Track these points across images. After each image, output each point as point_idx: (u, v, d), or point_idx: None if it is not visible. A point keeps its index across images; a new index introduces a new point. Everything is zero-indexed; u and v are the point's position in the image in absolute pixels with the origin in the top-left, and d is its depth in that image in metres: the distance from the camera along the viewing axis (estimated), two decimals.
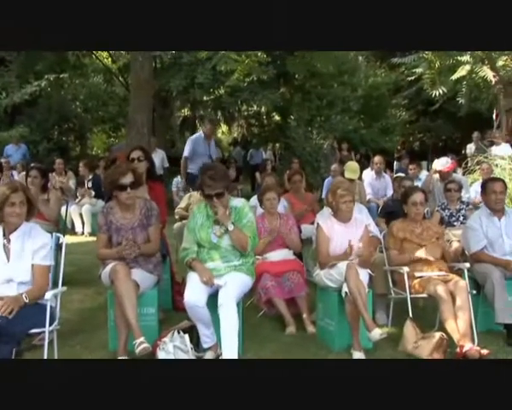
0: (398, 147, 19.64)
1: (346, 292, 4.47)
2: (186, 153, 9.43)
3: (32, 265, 3.90)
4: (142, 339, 3.98)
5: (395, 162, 15.18)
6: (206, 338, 4.30)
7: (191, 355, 4.25)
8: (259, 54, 9.37)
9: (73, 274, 6.82)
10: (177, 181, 12.17)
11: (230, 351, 4.05)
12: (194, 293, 4.19)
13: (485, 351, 4.32)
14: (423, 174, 9.68)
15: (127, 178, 4.49)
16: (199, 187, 4.54)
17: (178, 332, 4.35)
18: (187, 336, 4.31)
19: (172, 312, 5.42)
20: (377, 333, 4.26)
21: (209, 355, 4.33)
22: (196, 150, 9.35)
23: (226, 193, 4.45)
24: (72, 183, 10.94)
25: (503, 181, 5.65)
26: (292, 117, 16.35)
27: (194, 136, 9.69)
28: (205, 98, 16.01)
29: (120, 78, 15.75)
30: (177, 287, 5.45)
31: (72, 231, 10.12)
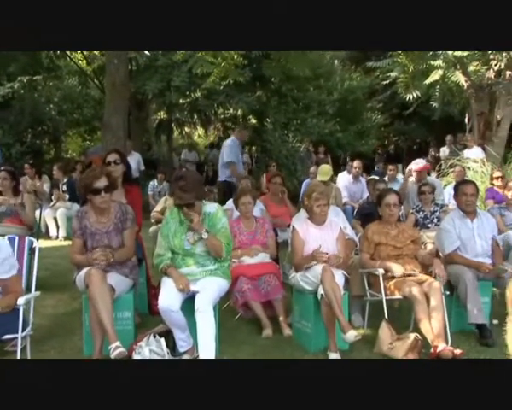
0: (379, 151, 19.85)
1: (321, 294, 4.49)
2: (233, 158, 9.18)
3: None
4: (117, 343, 3.95)
5: (377, 165, 15.37)
6: (182, 342, 4.31)
7: (168, 359, 4.24)
8: (236, 57, 9.37)
9: (47, 279, 6.75)
10: (154, 185, 12.15)
11: (208, 356, 4.05)
12: (168, 298, 4.20)
13: (458, 351, 4.38)
14: (400, 177, 9.80)
15: (101, 182, 4.46)
16: (171, 195, 4.54)
17: (154, 336, 4.34)
18: (163, 340, 4.29)
19: (148, 316, 5.40)
20: (352, 335, 4.29)
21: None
22: (237, 156, 9.27)
23: (199, 201, 4.46)
24: (46, 186, 10.81)
25: (475, 183, 5.74)
26: (268, 120, 16.37)
27: (231, 141, 9.41)
28: (181, 101, 15.95)
29: (95, 80, 15.61)
30: (153, 291, 5.42)
31: (47, 235, 10.00)
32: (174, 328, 4.27)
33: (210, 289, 4.31)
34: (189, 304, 4.22)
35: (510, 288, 0.81)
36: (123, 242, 4.60)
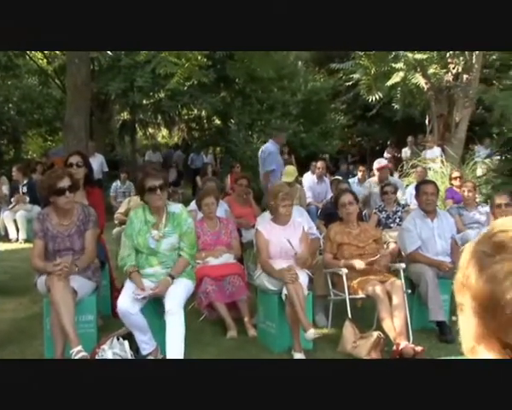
0: (350, 154, 20.06)
1: (285, 294, 4.52)
2: (273, 166, 8.67)
3: None
4: (79, 348, 3.90)
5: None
6: (145, 344, 4.27)
7: None
8: (199, 57, 9.35)
9: (7, 282, 6.62)
10: (116, 185, 11.98)
11: (177, 357, 4.04)
12: (128, 300, 4.17)
13: (419, 348, 4.46)
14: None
15: (64, 182, 4.38)
16: (139, 184, 4.48)
17: (118, 339, 4.29)
18: (126, 343, 4.25)
19: (112, 318, 5.33)
20: (312, 333, 4.33)
21: None
22: (277, 161, 8.85)
23: (166, 193, 4.45)
24: (5, 188, 10.56)
25: (435, 183, 5.85)
26: (232, 121, 16.39)
27: (271, 147, 8.97)
28: (145, 102, 15.84)
29: (56, 80, 15.36)
30: (117, 293, 5.35)
31: (6, 238, 9.78)
32: (134, 330, 4.24)
33: (178, 290, 4.30)
34: (151, 306, 4.20)
35: (457, 280, 0.82)
36: (85, 244, 4.54)
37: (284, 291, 4.54)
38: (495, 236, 0.88)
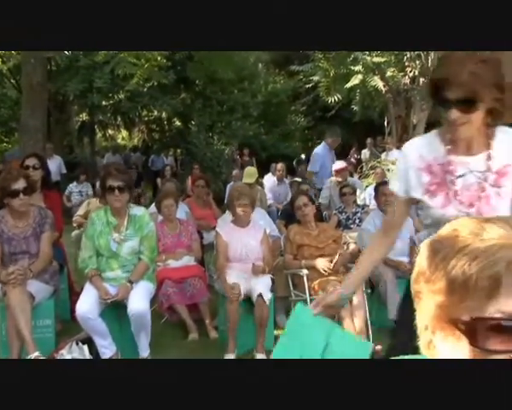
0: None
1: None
2: (316, 168, 8.75)
3: None
4: (36, 354, 3.83)
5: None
6: (105, 349, 4.20)
7: None
8: (159, 58, 9.30)
9: None
10: (71, 187, 11.72)
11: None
12: (87, 304, 4.11)
13: (379, 347, 4.51)
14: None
15: (19, 184, 4.29)
16: (101, 183, 4.43)
17: (77, 343, 4.22)
18: (86, 347, 4.19)
19: (71, 322, 5.23)
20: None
21: None
22: (324, 163, 8.81)
23: (127, 195, 4.39)
24: None
25: None
26: (193, 123, 16.31)
27: (320, 148, 9.00)
28: (104, 103, 15.62)
29: (12, 79, 15.01)
30: (76, 297, 5.26)
31: None
32: (94, 335, 4.17)
33: (140, 293, 4.26)
34: (111, 311, 4.16)
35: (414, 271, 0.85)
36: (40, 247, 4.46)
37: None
38: (447, 230, 0.96)
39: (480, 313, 0.86)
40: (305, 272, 4.97)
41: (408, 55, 12.60)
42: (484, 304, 0.86)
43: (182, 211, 6.21)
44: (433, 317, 0.94)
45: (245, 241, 4.87)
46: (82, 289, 4.48)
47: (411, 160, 2.11)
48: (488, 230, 0.90)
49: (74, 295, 5.37)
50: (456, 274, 0.88)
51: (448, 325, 0.91)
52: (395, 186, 2.23)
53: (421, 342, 0.99)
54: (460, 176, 1.98)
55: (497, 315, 0.85)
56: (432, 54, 12.28)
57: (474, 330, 0.87)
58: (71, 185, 11.59)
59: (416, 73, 12.81)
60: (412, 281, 0.99)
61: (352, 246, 6.07)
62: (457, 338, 0.90)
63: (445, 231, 0.97)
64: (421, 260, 0.97)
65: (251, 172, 8.00)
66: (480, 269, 0.85)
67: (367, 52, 11.27)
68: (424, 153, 2.07)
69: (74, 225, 7.19)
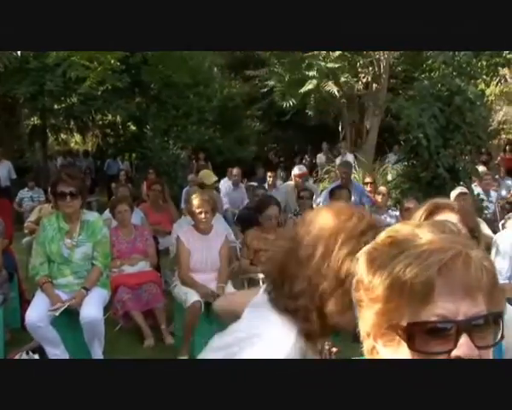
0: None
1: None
2: None
3: None
4: None
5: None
6: (56, 358, 4.10)
7: None
8: (112, 61, 9.17)
9: None
10: (23, 193, 11.46)
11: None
12: (37, 312, 4.01)
13: (334, 349, 4.55)
14: (279, 183, 10.03)
15: None
16: (52, 189, 4.32)
17: (27, 353, 4.12)
18: (37, 357, 4.09)
19: (22, 332, 5.10)
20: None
21: None
22: None
23: (80, 201, 4.31)
24: None
25: (348, 189, 6.03)
26: (148, 127, 16.14)
27: None
28: (56, 106, 15.31)
29: None
30: (27, 305, 5.14)
31: None
32: (45, 344, 4.07)
33: (93, 300, 4.20)
34: (63, 318, 4.07)
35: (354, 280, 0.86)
36: None
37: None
38: (382, 238, 0.98)
39: (417, 318, 0.88)
40: (261, 276, 4.97)
41: (361, 62, 12.82)
42: (420, 308, 0.88)
43: (137, 216, 6.15)
44: (373, 324, 0.95)
45: (207, 249, 4.87)
46: (33, 297, 4.37)
47: None
48: (420, 235, 0.92)
49: (25, 303, 5.24)
50: (391, 281, 0.89)
51: (388, 331, 0.93)
52: None
53: (365, 348, 1.01)
54: None
55: (433, 318, 0.87)
56: (384, 60, 12.54)
57: (412, 334, 0.88)
58: (22, 191, 11.33)
59: (369, 79, 13.05)
60: (352, 289, 1.01)
61: None
62: (397, 343, 0.92)
63: (380, 238, 0.98)
64: (360, 268, 0.98)
65: (207, 173, 7.99)
66: (414, 275, 0.87)
67: (321, 57, 11.42)
68: None
69: (26, 231, 7.03)
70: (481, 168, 10.92)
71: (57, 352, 4.09)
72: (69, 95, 13.98)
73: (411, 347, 0.89)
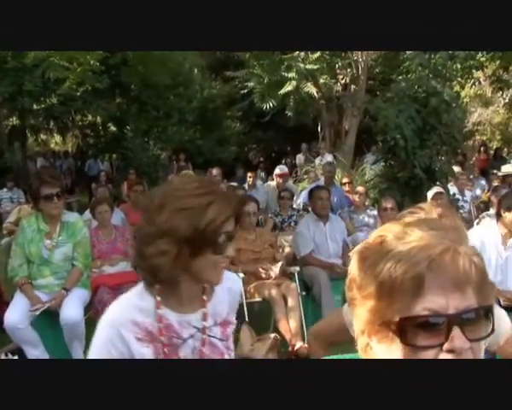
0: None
1: None
2: None
3: None
4: None
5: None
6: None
7: None
8: (92, 62, 9.11)
9: None
10: (1, 193, 11.31)
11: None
12: (16, 314, 3.96)
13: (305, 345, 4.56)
14: (258, 183, 10.04)
15: None
16: (35, 192, 4.25)
17: (6, 355, 4.06)
18: (16, 358, 4.04)
19: (0, 333, 5.03)
20: None
21: None
22: None
23: (63, 202, 4.28)
24: None
25: (328, 189, 6.04)
26: (128, 128, 16.04)
27: None
28: (35, 107, 15.13)
29: None
30: (6, 307, 5.07)
31: None
32: (24, 345, 4.02)
33: (74, 300, 4.16)
34: (43, 319, 4.03)
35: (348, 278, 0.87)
36: None
37: None
38: (374, 237, 0.99)
39: (408, 313, 0.88)
40: (241, 275, 4.97)
41: (339, 63, 12.88)
42: (411, 304, 0.88)
43: (117, 217, 6.10)
44: (367, 321, 0.96)
45: None
46: (12, 298, 4.31)
47: None
48: (410, 232, 0.93)
49: (4, 305, 5.17)
50: (383, 278, 0.90)
51: (381, 328, 0.93)
52: None
53: (359, 346, 1.02)
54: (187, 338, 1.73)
55: (424, 313, 0.88)
56: (362, 62, 12.61)
57: (404, 329, 0.89)
58: (1, 192, 11.20)
59: (348, 80, 13.11)
60: (346, 289, 1.01)
61: (287, 249, 6.12)
62: (391, 339, 0.92)
63: (372, 237, 0.99)
64: (353, 268, 0.99)
65: (188, 174, 7.96)
66: (403, 271, 0.88)
67: (300, 59, 11.44)
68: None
69: (4, 232, 6.93)
70: (457, 168, 11.06)
71: (36, 353, 4.03)
72: (49, 95, 13.85)
73: (404, 341, 0.90)
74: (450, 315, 0.88)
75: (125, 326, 1.63)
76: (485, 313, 0.92)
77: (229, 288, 1.84)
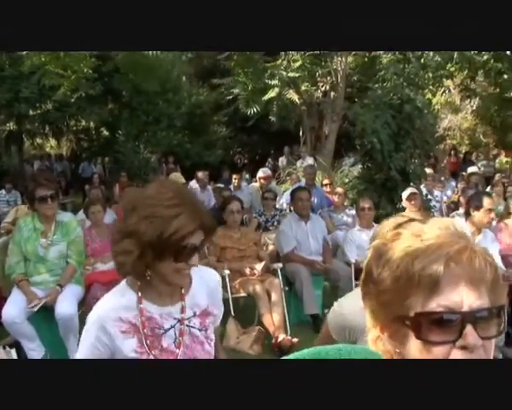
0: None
1: None
2: None
3: None
4: None
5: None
6: (32, 352, 4.04)
7: None
8: (85, 70, 9.06)
9: None
10: (0, 194, 11.16)
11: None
12: (13, 309, 3.95)
13: (295, 340, 4.57)
14: (243, 185, 10.04)
15: None
16: (30, 193, 4.23)
17: (4, 348, 4.00)
18: (13, 351, 3.97)
19: None
20: None
21: None
22: None
23: (57, 203, 4.25)
24: None
25: (308, 190, 6.05)
26: (120, 132, 15.94)
27: None
28: (31, 112, 14.97)
29: None
30: (4, 302, 5.02)
31: None
32: (21, 339, 4.01)
33: (68, 296, 4.14)
34: (39, 314, 4.00)
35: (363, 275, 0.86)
36: None
37: None
38: (391, 233, 0.98)
39: (424, 309, 0.88)
40: (226, 272, 4.96)
41: (320, 72, 12.91)
42: (426, 300, 0.88)
43: (109, 217, 6.07)
44: (380, 315, 0.95)
45: None
46: (10, 294, 4.27)
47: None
48: (427, 231, 0.92)
49: (2, 300, 5.11)
50: (400, 273, 0.89)
51: (394, 323, 0.93)
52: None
53: (370, 338, 1.00)
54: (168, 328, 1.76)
55: (439, 309, 0.87)
56: (341, 71, 12.65)
57: (418, 324, 0.89)
58: None
59: (328, 87, 13.15)
60: (361, 283, 1.00)
61: (270, 247, 6.13)
62: (403, 335, 0.92)
63: (389, 234, 0.98)
64: (369, 263, 0.98)
65: (176, 176, 7.94)
66: (421, 268, 0.87)
67: (282, 67, 11.45)
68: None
69: (2, 231, 6.86)
70: (429, 171, 11.13)
71: (33, 346, 4.03)
72: (44, 101, 13.74)
73: (418, 336, 0.89)
74: (464, 313, 0.87)
75: (110, 322, 1.68)
76: (497, 312, 0.90)
77: (208, 282, 1.89)
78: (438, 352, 0.88)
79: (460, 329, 0.86)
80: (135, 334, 1.69)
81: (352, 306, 1.93)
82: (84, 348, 1.69)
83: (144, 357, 1.68)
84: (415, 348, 0.90)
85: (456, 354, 0.87)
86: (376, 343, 0.99)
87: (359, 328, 1.77)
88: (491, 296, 0.90)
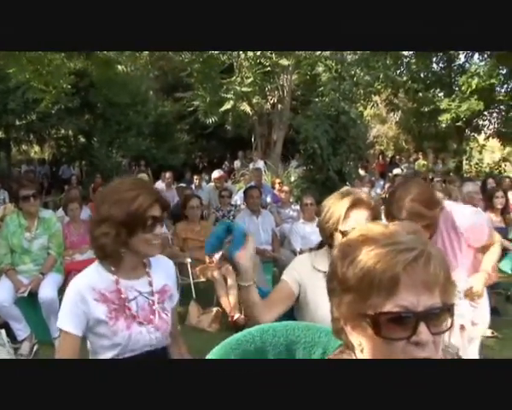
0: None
1: None
2: None
3: None
4: None
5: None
6: (20, 331, 4.01)
7: (9, 348, 3.86)
8: (65, 86, 8.88)
9: None
10: None
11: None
12: (2, 294, 3.92)
13: (242, 317, 4.59)
14: (204, 184, 10.00)
15: None
16: (15, 193, 4.20)
17: None
18: (3, 331, 3.90)
19: None
20: None
21: (25, 346, 4.03)
22: None
23: (38, 201, 4.23)
24: None
25: (259, 189, 6.09)
26: (95, 139, 15.63)
27: None
28: (18, 122, 14.66)
29: None
30: None
31: None
32: (10, 320, 3.98)
33: (49, 282, 4.12)
34: (26, 299, 4.03)
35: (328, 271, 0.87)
36: None
37: None
38: (356, 235, 0.95)
39: (383, 308, 0.86)
40: (188, 260, 4.95)
41: (269, 87, 13.00)
42: (385, 300, 0.86)
43: (85, 213, 5.99)
44: (344, 311, 0.92)
45: None
46: None
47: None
48: (389, 234, 0.91)
49: None
50: (362, 275, 0.87)
51: (356, 318, 0.90)
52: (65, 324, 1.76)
53: (333, 328, 0.98)
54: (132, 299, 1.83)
55: (397, 309, 0.85)
56: (287, 86, 12.77)
57: (377, 322, 0.86)
58: None
59: (276, 100, 13.25)
60: (327, 280, 0.97)
61: None
62: (363, 329, 0.90)
63: (353, 235, 0.95)
64: (335, 261, 0.95)
65: (143, 177, 7.84)
66: (382, 271, 0.85)
67: (237, 83, 11.45)
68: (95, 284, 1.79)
69: None
70: (362, 172, 11.41)
71: (20, 326, 4.01)
72: (29, 113, 13.57)
73: (377, 333, 0.87)
74: (418, 312, 0.85)
75: (86, 290, 1.76)
76: (448, 310, 0.89)
77: (166, 268, 2.02)
78: (394, 347, 0.86)
79: (414, 326, 0.85)
80: (105, 302, 1.77)
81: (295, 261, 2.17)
82: (64, 310, 1.77)
83: (112, 322, 1.76)
84: (373, 343, 0.89)
85: (410, 349, 0.85)
86: (340, 334, 0.97)
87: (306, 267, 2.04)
88: (442, 296, 0.88)
